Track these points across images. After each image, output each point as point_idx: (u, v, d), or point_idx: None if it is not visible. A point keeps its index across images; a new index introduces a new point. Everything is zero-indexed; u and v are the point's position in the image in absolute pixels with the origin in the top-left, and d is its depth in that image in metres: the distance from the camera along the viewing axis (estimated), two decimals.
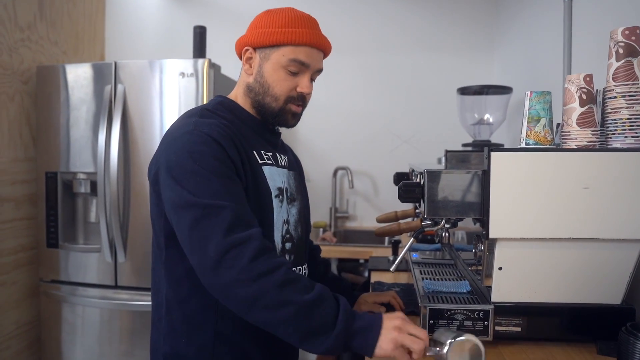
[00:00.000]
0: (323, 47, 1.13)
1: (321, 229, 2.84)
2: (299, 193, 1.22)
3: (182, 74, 2.12)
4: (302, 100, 1.13)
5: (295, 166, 1.28)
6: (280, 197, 1.11)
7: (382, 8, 2.87)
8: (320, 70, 1.16)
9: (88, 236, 2.35)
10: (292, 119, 1.15)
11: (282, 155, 1.20)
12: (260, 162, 1.09)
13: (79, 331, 2.29)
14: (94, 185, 2.23)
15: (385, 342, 0.86)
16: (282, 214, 1.11)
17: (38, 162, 2.36)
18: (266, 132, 1.18)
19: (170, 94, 2.13)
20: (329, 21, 2.90)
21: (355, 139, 2.90)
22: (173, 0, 3.02)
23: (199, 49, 2.33)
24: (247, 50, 1.14)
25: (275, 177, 1.12)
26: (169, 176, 0.96)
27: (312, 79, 1.15)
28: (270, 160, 1.13)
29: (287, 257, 1.11)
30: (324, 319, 0.86)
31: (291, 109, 1.13)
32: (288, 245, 1.12)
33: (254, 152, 1.09)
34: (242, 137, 1.07)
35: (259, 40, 1.10)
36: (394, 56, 2.88)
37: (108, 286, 2.22)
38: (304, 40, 1.09)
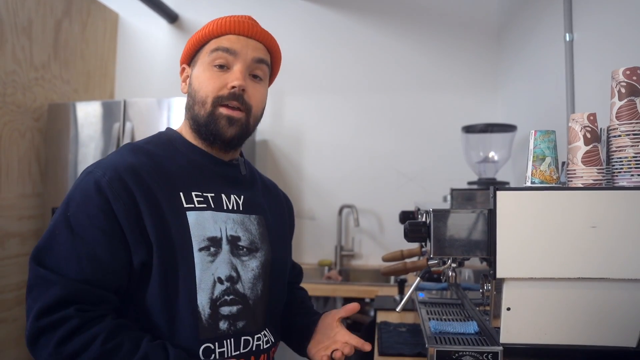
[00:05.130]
0: (252, 34, 0.97)
1: (326, 267, 2.81)
2: (265, 242, 1.00)
3: None
4: (236, 98, 0.93)
5: (266, 209, 1.05)
6: (213, 249, 0.91)
7: (387, 49, 2.94)
8: (260, 61, 0.97)
9: None
10: (228, 127, 0.94)
11: (235, 196, 0.98)
12: (186, 206, 0.90)
13: None
14: None
15: None
16: (212, 270, 0.90)
17: (45, 197, 2.38)
18: (216, 164, 0.99)
19: None
20: (335, 61, 2.99)
21: (361, 177, 2.91)
22: (182, 40, 3.11)
23: None
24: (183, 69, 1.02)
25: (207, 224, 0.91)
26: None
27: (255, 76, 0.98)
28: (204, 204, 0.92)
29: (223, 324, 0.90)
30: None
31: (222, 113, 0.93)
32: (226, 309, 0.91)
33: (181, 193, 0.91)
34: (163, 177, 0.91)
35: (186, 52, 1.00)
36: (399, 95, 2.93)
37: None
38: (225, 28, 0.95)
